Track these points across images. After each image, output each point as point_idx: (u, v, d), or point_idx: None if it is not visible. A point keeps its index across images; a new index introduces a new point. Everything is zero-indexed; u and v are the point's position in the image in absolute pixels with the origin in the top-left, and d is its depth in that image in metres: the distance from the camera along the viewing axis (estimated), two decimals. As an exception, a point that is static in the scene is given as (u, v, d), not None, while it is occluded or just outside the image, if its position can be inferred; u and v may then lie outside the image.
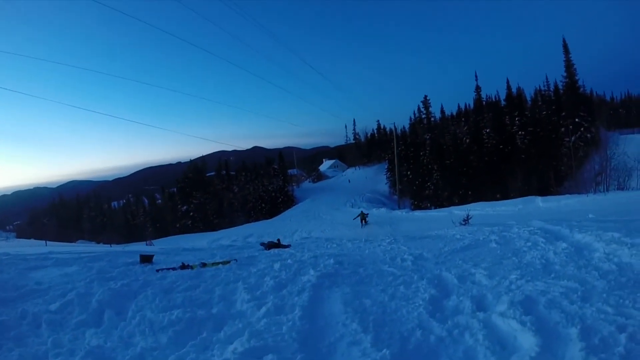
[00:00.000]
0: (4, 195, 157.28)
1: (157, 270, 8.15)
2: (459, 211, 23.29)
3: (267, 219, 47.88)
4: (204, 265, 8.81)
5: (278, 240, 14.70)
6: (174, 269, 8.44)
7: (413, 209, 40.66)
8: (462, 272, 5.75)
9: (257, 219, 51.29)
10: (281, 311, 4.67)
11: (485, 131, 50.26)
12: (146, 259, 9.82)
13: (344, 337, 3.79)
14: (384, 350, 3.30)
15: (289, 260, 7.83)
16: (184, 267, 8.61)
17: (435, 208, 39.10)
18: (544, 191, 33.19)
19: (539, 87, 58.43)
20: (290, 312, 4.58)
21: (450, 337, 3.55)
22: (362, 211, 33.40)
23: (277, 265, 7.35)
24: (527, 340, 3.24)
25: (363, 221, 31.02)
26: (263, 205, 59.38)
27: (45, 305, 5.49)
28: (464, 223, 14.79)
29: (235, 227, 42.03)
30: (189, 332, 4.38)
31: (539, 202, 23.20)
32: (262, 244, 13.41)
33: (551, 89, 55.42)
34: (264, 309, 4.76)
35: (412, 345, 3.50)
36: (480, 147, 48.81)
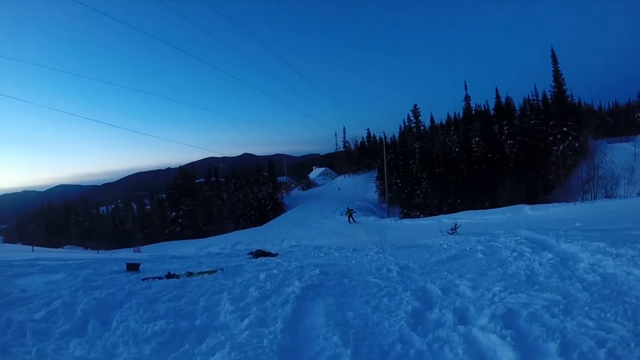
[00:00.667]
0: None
1: (143, 280, 8.10)
2: (447, 220, 23.35)
3: (257, 226, 47.71)
4: (190, 274, 8.76)
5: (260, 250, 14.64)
6: (160, 278, 8.39)
7: (402, 217, 40.80)
8: (447, 283, 5.74)
9: (246, 227, 51.25)
10: (263, 323, 4.64)
11: (475, 140, 50.70)
12: (133, 267, 9.77)
13: (324, 351, 3.76)
14: (364, 364, 3.27)
15: (275, 270, 7.80)
16: (169, 276, 8.55)
17: (424, 216, 39.31)
18: (532, 199, 33.56)
19: (528, 96, 59.20)
20: (272, 324, 4.55)
21: (430, 351, 3.53)
22: (348, 207, 38.76)
23: (262, 276, 7.31)
24: (506, 355, 3.24)
25: (350, 218, 35.59)
26: (252, 212, 59.36)
27: (30, 314, 5.43)
28: (451, 232, 14.80)
29: (224, 235, 41.78)
30: (171, 343, 4.35)
31: (527, 210, 23.32)
32: (251, 252, 13.36)
33: (540, 99, 56.34)
34: (246, 321, 4.73)
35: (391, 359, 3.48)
36: (470, 155, 49.24)
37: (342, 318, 4.56)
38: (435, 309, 4.61)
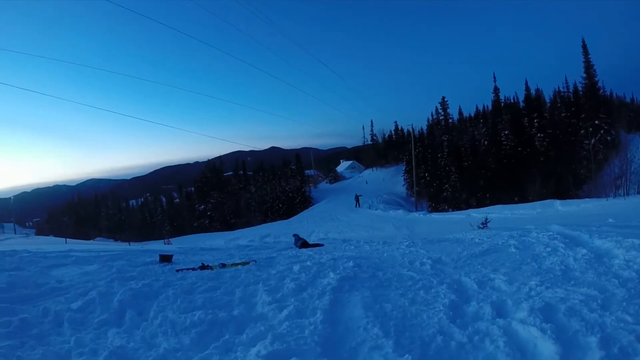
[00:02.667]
0: (24, 193, 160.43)
1: (177, 271, 8.24)
2: (477, 214, 23.19)
3: (284, 219, 47.85)
4: (223, 266, 8.89)
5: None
6: (193, 269, 8.53)
7: (430, 211, 40.50)
8: (482, 277, 5.75)
9: (274, 219, 51.44)
10: (302, 314, 4.71)
11: (504, 133, 49.94)
12: (166, 258, 9.95)
13: (365, 342, 3.81)
14: (406, 356, 3.34)
15: (308, 262, 7.87)
16: (203, 267, 8.70)
17: (452, 210, 38.90)
18: (562, 195, 32.80)
19: (558, 88, 57.58)
20: (311, 315, 4.62)
21: (471, 343, 3.56)
22: (356, 194, 44.96)
23: (296, 268, 7.38)
24: (547, 348, 3.26)
25: (357, 202, 42.34)
26: (280, 205, 59.63)
27: (67, 304, 5.56)
28: (482, 226, 14.68)
29: (252, 227, 42.06)
30: (211, 333, 4.42)
31: (557, 205, 22.91)
32: (296, 242, 13.40)
33: (570, 91, 54.67)
34: (285, 312, 4.79)
35: (432, 351, 3.53)
36: (499, 149, 48.55)
37: (380, 310, 4.60)
38: (472, 302, 4.63)
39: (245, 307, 5.31)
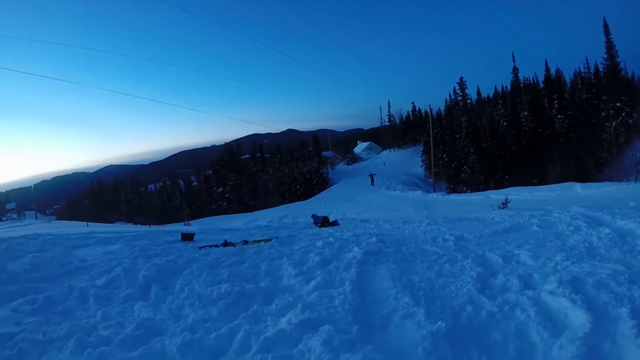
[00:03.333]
0: (44, 181, 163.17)
1: (200, 248, 8.40)
2: (495, 195, 23.01)
3: (302, 200, 47.98)
4: (245, 242, 9.02)
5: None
6: (216, 246, 8.68)
7: (449, 193, 40.27)
8: (506, 252, 5.76)
9: (292, 201, 51.63)
10: (331, 285, 4.77)
11: (523, 114, 49.16)
12: (187, 237, 10.11)
13: (396, 311, 3.86)
14: (439, 323, 3.36)
15: (331, 238, 7.91)
16: (226, 244, 8.84)
17: (471, 192, 38.62)
18: (582, 178, 32.34)
19: (579, 69, 56.26)
20: (340, 286, 4.68)
21: (501, 312, 3.59)
22: (370, 173, 47.92)
23: (319, 243, 7.45)
24: (579, 318, 3.28)
25: (372, 181, 45.15)
26: (298, 187, 59.61)
27: (92, 281, 5.70)
28: (502, 207, 14.65)
29: (270, 209, 42.36)
30: (238, 304, 4.49)
31: (578, 188, 22.56)
32: (316, 221, 13.47)
33: (591, 72, 53.34)
34: (313, 283, 4.87)
35: (464, 320, 3.57)
36: (518, 130, 47.86)
37: (408, 281, 4.65)
38: (499, 275, 4.65)
39: (271, 280, 5.40)
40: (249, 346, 3.37)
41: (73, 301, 4.94)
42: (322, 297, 4.30)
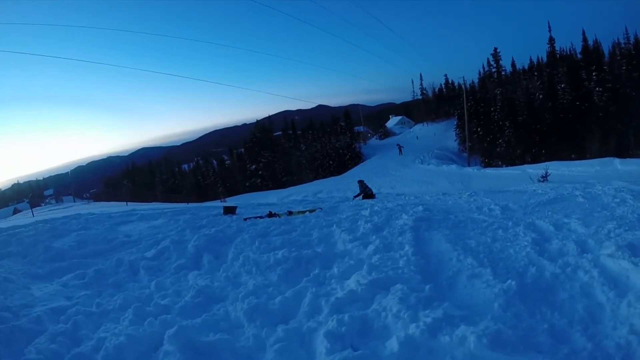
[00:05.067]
0: (80, 167, 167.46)
1: (245, 219, 8.59)
2: (532, 170, 22.66)
3: (335, 176, 47.92)
4: (290, 213, 9.22)
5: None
6: (261, 217, 8.88)
7: (484, 167, 39.73)
8: (556, 221, 5.75)
9: (325, 177, 51.50)
10: (390, 249, 4.90)
11: (560, 87, 47.58)
12: (230, 210, 10.34)
13: (462, 271, 4.00)
14: (509, 282, 3.50)
15: (376, 207, 8.08)
16: (271, 215, 9.04)
17: (506, 166, 38.00)
18: (622, 153, 31.47)
19: (617, 39, 54.22)
20: (399, 249, 4.81)
21: (564, 274, 3.68)
22: (398, 144, 51.37)
23: (366, 212, 7.60)
24: (641, 279, 3.35)
25: (400, 151, 48.09)
26: (331, 162, 59.42)
27: (140, 254, 5.95)
28: (542, 180, 14.51)
29: (304, 184, 42.59)
30: (297, 270, 4.63)
31: (617, 164, 21.89)
32: (361, 182, 13.64)
33: (631, 42, 51.38)
34: (371, 247, 4.99)
35: (529, 280, 3.68)
36: (555, 103, 46.44)
37: (466, 245, 4.76)
38: (554, 241, 4.71)
39: (326, 246, 5.55)
40: (318, 308, 3.51)
41: (123, 274, 5.19)
42: (385, 260, 4.44)
